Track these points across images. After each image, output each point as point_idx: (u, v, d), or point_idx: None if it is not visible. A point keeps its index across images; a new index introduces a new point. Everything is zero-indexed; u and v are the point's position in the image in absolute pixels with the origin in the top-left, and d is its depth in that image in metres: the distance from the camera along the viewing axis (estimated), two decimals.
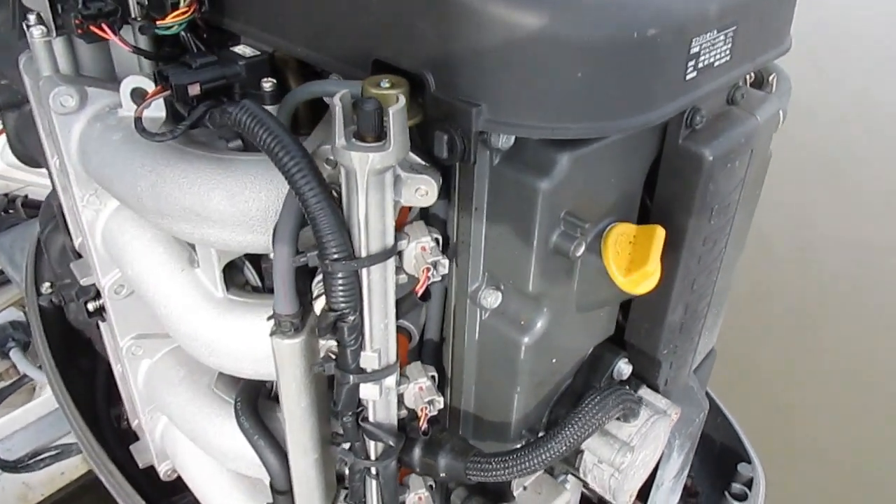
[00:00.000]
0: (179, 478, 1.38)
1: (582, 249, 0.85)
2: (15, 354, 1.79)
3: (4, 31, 1.11)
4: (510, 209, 0.84)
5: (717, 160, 0.88)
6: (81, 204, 1.07)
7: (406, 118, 0.72)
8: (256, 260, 1.05)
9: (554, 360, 0.99)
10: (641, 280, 0.87)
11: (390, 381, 0.89)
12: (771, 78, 1.06)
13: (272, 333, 0.88)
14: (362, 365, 0.86)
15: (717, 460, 1.51)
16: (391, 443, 0.92)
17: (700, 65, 0.80)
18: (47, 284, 1.74)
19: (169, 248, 1.05)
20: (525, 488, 1.04)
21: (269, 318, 0.87)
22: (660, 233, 0.87)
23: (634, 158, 0.90)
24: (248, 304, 1.01)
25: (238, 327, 1.00)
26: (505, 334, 0.93)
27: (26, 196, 2.15)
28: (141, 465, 1.40)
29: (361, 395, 0.89)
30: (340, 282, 0.79)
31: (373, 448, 0.95)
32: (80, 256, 1.27)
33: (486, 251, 0.90)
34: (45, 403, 1.88)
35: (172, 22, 0.93)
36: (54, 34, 0.99)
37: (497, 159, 0.83)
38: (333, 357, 0.90)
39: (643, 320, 1.03)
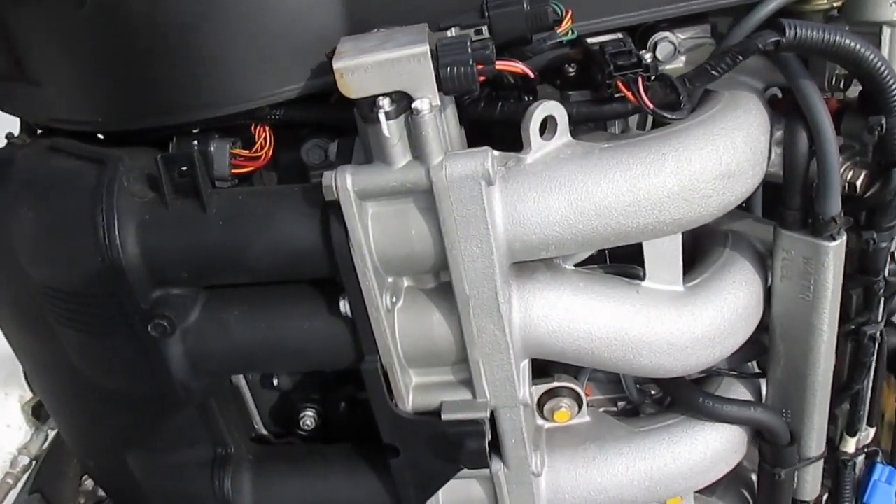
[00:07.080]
0: None
1: None
2: None
3: None
4: None
5: None
6: (503, 301, 0.85)
7: None
8: None
9: None
10: None
11: None
12: None
13: (824, 238, 0.90)
14: None
15: None
16: None
17: None
18: None
19: (607, 283, 0.92)
20: None
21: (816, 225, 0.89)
22: None
23: None
24: (704, 279, 0.97)
25: (721, 302, 0.95)
26: None
27: None
28: None
29: None
30: None
31: None
32: None
33: None
34: None
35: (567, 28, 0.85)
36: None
37: None
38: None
39: None
